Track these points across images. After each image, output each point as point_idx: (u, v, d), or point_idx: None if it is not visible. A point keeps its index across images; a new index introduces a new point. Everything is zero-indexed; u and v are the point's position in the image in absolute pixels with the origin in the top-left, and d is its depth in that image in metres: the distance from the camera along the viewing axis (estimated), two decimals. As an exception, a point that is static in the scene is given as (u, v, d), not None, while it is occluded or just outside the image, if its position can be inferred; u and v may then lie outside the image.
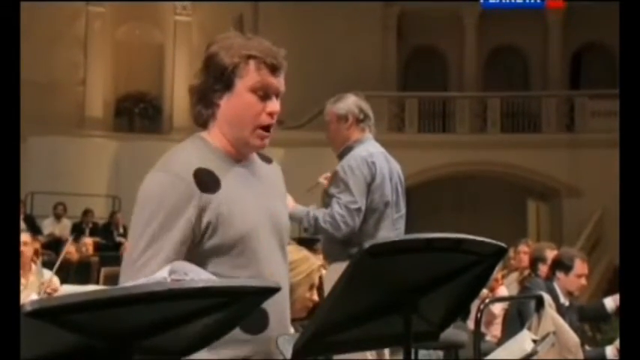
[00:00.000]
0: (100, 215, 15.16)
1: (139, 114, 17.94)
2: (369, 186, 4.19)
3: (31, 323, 1.37)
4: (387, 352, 4.16)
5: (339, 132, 4.33)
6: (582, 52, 19.87)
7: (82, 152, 16.59)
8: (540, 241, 12.18)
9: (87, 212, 14.40)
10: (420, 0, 18.70)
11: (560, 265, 5.30)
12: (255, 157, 2.34)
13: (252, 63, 2.18)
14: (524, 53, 20.00)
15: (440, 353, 6.90)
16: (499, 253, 2.06)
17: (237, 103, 2.20)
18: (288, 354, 2.09)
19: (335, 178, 4.22)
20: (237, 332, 2.07)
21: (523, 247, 7.91)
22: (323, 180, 4.42)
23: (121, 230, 14.11)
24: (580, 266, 5.28)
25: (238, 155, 2.25)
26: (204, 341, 1.69)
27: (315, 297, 3.12)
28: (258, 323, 2.18)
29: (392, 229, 4.24)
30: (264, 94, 2.20)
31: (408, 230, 4.38)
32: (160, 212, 2.11)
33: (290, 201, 4.00)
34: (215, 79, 2.19)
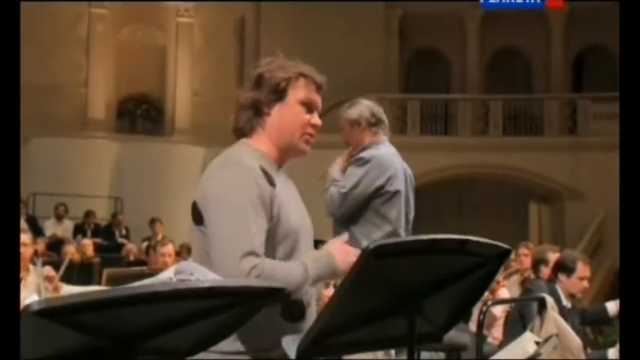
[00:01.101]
0: (102, 216, 15.15)
1: (141, 116, 17.94)
2: (377, 183, 4.23)
3: (37, 323, 1.37)
4: (393, 352, 4.17)
5: (353, 136, 4.42)
6: (585, 55, 19.84)
7: (84, 154, 16.59)
8: (542, 244, 12.15)
9: (89, 213, 14.39)
10: (422, 0, 18.68)
11: (563, 267, 5.30)
12: None
13: (302, 80, 2.48)
14: (527, 56, 19.97)
15: (442, 355, 6.89)
16: (503, 255, 2.06)
17: (288, 112, 2.47)
18: (293, 354, 2.10)
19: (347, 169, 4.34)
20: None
21: (523, 250, 7.90)
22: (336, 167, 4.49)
23: (124, 232, 14.10)
24: (582, 269, 5.28)
25: (280, 161, 2.51)
26: (208, 341, 1.69)
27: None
28: (297, 312, 2.33)
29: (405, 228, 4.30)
30: (309, 108, 2.49)
31: (410, 232, 4.41)
32: (248, 200, 2.31)
33: (338, 164, 4.33)
34: (270, 91, 2.46)
